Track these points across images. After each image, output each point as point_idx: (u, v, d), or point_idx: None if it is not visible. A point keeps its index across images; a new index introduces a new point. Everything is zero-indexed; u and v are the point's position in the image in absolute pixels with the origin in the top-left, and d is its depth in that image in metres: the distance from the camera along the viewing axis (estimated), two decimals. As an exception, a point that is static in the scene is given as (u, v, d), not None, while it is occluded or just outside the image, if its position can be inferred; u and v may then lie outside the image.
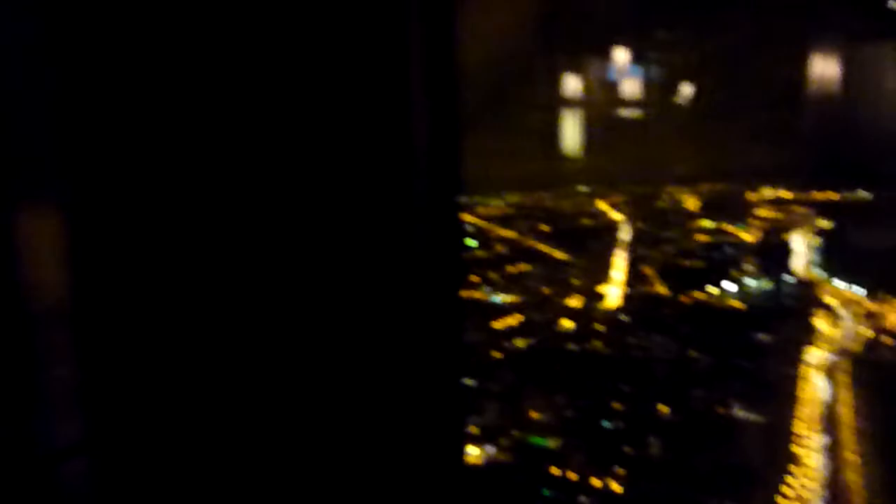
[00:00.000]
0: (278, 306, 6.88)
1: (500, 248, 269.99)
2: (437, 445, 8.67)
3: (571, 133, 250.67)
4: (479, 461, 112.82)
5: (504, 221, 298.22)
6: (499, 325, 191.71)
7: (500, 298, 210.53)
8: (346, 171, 6.47)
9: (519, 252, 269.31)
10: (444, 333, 9.20)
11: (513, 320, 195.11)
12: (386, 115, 6.29)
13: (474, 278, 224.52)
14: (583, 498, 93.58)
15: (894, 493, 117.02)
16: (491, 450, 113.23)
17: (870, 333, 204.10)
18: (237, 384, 7.02)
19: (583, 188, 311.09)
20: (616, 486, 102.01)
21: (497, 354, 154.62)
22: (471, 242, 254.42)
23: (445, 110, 7.43)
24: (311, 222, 6.71)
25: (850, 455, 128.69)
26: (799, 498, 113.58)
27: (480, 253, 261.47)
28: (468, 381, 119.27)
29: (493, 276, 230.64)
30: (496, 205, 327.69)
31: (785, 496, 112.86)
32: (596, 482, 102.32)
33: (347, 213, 6.62)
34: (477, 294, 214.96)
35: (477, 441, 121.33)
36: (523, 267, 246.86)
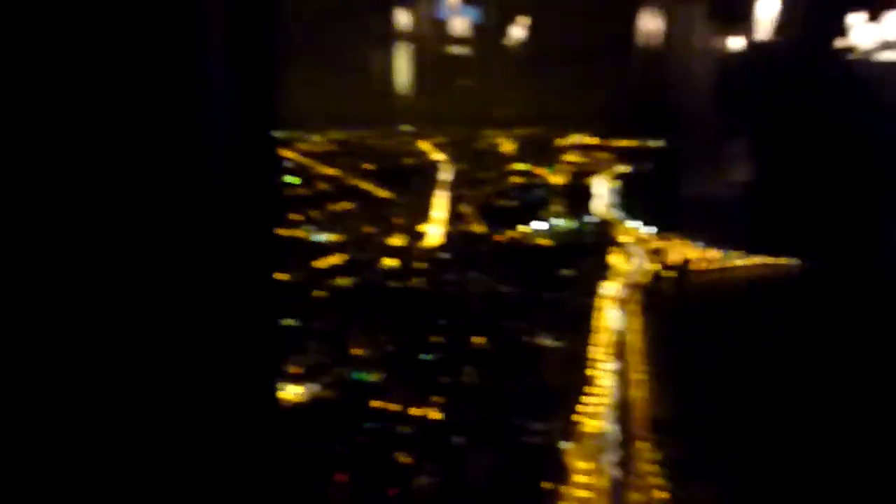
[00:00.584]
0: (88, 246, 6.09)
1: (323, 186, 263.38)
2: (251, 384, 8.30)
3: (397, 71, 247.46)
4: (302, 399, 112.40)
5: (326, 159, 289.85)
6: (321, 264, 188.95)
7: (322, 237, 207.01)
8: (135, 109, 5.75)
9: (341, 190, 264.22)
10: (258, 272, 8.72)
11: (336, 259, 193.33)
12: (174, 51, 5.60)
13: (296, 217, 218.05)
14: (404, 428, 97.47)
15: (672, 407, 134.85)
16: (315, 387, 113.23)
17: (657, 268, 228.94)
18: (50, 330, 6.20)
19: (406, 128, 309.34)
20: (435, 414, 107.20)
21: (320, 293, 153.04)
22: (292, 180, 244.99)
23: (254, 44, 6.80)
24: (100, 163, 5.93)
25: (637, 375, 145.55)
26: (594, 414, 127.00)
27: (302, 191, 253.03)
28: (290, 322, 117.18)
29: (315, 214, 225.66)
30: (318, 142, 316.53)
31: (582, 414, 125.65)
32: (416, 411, 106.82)
33: (138, 153, 5.92)
34: (299, 233, 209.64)
35: (300, 379, 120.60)
36: (346, 205, 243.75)
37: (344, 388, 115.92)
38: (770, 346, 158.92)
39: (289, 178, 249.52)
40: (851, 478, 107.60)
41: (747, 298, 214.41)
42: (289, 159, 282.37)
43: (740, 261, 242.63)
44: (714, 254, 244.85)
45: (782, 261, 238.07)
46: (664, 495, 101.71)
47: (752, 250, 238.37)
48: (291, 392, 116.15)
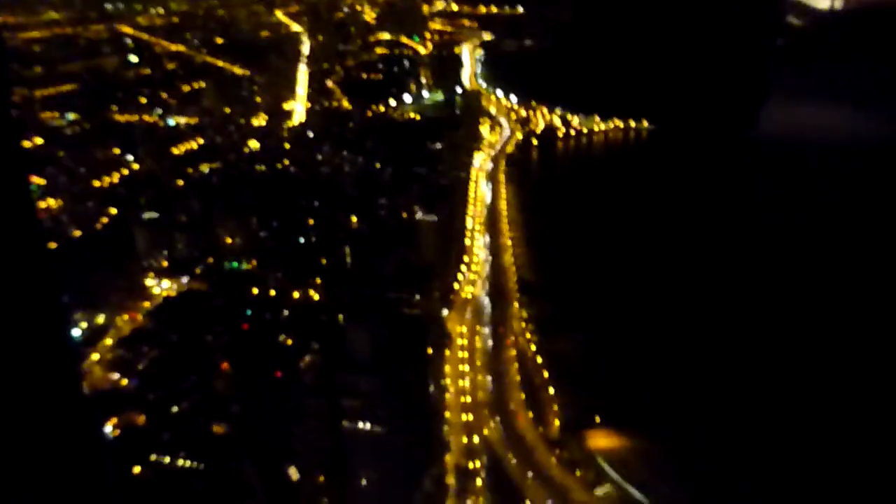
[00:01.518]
0: None
1: (170, 65, 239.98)
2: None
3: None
4: (173, 293, 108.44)
5: (170, 34, 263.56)
6: (178, 150, 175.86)
7: (175, 121, 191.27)
8: None
9: (192, 68, 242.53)
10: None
11: (193, 144, 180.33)
12: None
13: (142, 100, 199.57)
14: (285, 311, 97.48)
15: (536, 268, 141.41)
16: (185, 280, 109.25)
17: (520, 136, 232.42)
18: None
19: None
20: (315, 295, 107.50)
21: (180, 182, 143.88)
22: (132, 58, 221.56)
23: None
24: None
25: (507, 241, 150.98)
26: (470, 282, 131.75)
27: (145, 70, 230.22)
28: (151, 214, 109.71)
29: (164, 96, 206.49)
30: (160, 14, 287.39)
31: (458, 282, 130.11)
32: (296, 294, 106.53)
33: None
34: (148, 118, 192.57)
35: (169, 273, 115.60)
36: (198, 84, 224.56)
37: (218, 278, 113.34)
38: (627, 204, 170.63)
39: (130, 57, 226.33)
40: (704, 320, 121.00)
41: (605, 160, 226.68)
42: (126, 35, 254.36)
43: (597, 126, 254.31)
44: (574, 120, 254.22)
45: (632, 124, 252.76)
46: (534, 348, 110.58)
47: (605, 116, 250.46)
48: (162, 286, 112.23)
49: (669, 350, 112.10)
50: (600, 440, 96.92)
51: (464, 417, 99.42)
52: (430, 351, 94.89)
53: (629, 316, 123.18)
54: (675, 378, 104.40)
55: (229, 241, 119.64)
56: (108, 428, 77.85)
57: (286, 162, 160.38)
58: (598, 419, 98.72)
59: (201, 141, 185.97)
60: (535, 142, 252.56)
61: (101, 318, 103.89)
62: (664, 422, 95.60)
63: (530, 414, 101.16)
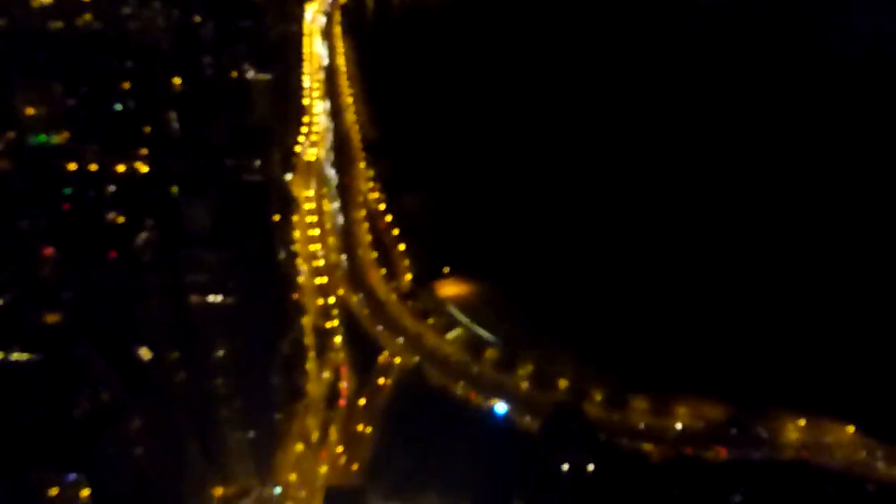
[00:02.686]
0: None
1: None
2: None
3: None
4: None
5: None
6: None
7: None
8: None
9: None
10: None
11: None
12: None
13: None
14: (110, 186, 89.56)
15: (378, 125, 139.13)
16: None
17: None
18: None
19: None
20: (142, 167, 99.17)
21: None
22: None
23: None
24: None
25: (347, 99, 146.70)
26: (311, 143, 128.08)
27: None
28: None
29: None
30: None
31: (299, 144, 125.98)
32: (120, 167, 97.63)
33: None
34: None
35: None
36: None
37: (24, 155, 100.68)
38: (463, 53, 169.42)
39: None
40: (538, 166, 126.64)
41: (442, 8, 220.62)
42: None
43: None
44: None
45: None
46: (381, 207, 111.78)
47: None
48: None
49: (503, 197, 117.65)
50: (449, 288, 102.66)
51: (317, 281, 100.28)
52: (276, 217, 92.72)
53: (469, 169, 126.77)
54: (516, 228, 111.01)
55: (31, 111, 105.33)
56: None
57: (87, 17, 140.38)
58: (446, 270, 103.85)
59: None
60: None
61: None
62: (507, 268, 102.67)
63: (383, 271, 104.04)
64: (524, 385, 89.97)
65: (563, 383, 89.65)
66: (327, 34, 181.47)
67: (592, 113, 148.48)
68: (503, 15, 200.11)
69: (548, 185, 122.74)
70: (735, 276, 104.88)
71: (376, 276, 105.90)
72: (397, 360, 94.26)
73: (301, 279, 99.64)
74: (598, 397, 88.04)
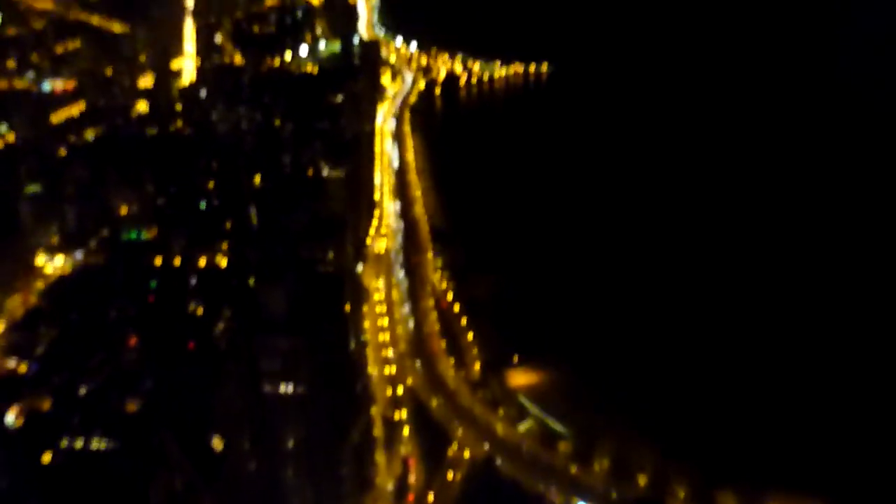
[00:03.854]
0: None
1: (38, 24, 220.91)
2: None
3: None
4: (67, 270, 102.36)
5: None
6: (58, 117, 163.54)
7: (51, 85, 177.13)
8: None
9: (64, 27, 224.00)
10: None
11: (74, 110, 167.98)
12: None
13: (10, 63, 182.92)
14: (192, 279, 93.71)
15: (447, 216, 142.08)
16: (79, 255, 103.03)
17: (423, 85, 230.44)
18: None
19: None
20: (222, 260, 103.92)
21: (63, 152, 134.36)
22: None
23: None
24: None
25: (416, 192, 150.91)
26: (382, 235, 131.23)
27: (11, 31, 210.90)
28: (34, 188, 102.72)
29: (36, 59, 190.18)
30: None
31: (371, 236, 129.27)
32: (202, 261, 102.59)
33: None
34: (19, 83, 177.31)
35: (61, 250, 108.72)
36: (73, 45, 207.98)
37: (116, 250, 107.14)
38: (531, 146, 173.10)
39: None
40: (608, 257, 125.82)
41: (508, 104, 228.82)
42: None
43: (498, 71, 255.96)
44: (475, 66, 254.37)
45: (532, 67, 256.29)
46: (450, 296, 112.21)
47: (506, 60, 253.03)
48: (54, 264, 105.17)
49: (577, 285, 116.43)
50: (520, 378, 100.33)
51: (387, 370, 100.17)
52: (347, 307, 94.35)
53: (538, 256, 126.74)
54: (587, 312, 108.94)
55: (125, 210, 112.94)
56: (10, 417, 73.63)
57: (179, 123, 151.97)
58: (516, 358, 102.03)
59: (83, 106, 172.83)
60: (437, 90, 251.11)
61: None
62: (579, 354, 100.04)
63: (451, 360, 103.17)
64: (601, 480, 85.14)
65: (643, 478, 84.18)
66: (398, 132, 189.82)
67: (659, 197, 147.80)
68: (567, 111, 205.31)
69: (622, 270, 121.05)
70: (840, 360, 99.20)
71: (445, 365, 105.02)
72: (467, 452, 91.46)
73: (370, 369, 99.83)
74: (682, 493, 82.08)
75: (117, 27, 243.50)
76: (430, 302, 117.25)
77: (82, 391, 74.61)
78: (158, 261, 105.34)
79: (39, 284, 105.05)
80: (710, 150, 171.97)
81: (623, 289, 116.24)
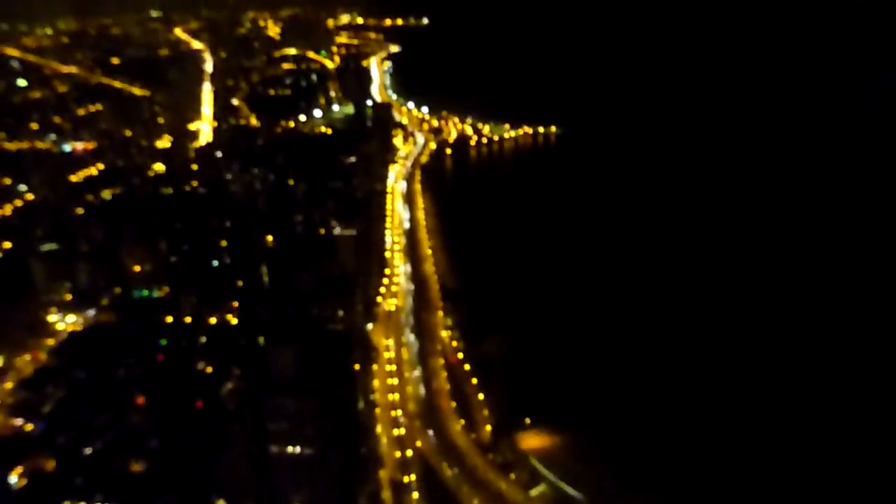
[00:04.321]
0: None
1: (62, 87, 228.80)
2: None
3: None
4: (78, 327, 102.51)
5: (61, 54, 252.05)
6: (77, 177, 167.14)
7: (71, 146, 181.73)
8: None
9: (86, 90, 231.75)
10: None
11: (93, 170, 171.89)
12: None
13: (33, 125, 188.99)
14: (202, 338, 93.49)
15: (457, 275, 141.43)
16: (91, 313, 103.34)
17: (434, 146, 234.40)
18: None
19: (155, 13, 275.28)
20: (232, 319, 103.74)
21: (80, 210, 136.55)
22: (20, 82, 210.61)
23: None
24: None
25: (426, 251, 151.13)
26: (392, 293, 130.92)
27: (35, 94, 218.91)
28: (50, 246, 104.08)
29: (58, 120, 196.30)
30: (46, 34, 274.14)
31: (381, 294, 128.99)
32: (212, 319, 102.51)
33: None
34: (41, 144, 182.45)
35: (73, 307, 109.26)
36: (94, 107, 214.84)
37: (127, 308, 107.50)
38: (539, 207, 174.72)
39: (18, 82, 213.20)
40: (616, 316, 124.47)
41: (517, 165, 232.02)
42: (12, 57, 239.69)
43: (508, 133, 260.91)
44: (485, 128, 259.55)
45: (541, 129, 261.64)
46: (460, 355, 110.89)
47: (515, 122, 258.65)
48: (66, 321, 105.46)
49: (588, 346, 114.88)
50: (532, 440, 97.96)
51: (396, 432, 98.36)
52: (356, 366, 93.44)
53: (547, 316, 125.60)
54: (598, 373, 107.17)
55: (137, 268, 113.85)
56: (13, 478, 72.52)
57: (194, 183, 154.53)
58: (528, 420, 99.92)
59: (101, 166, 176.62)
60: (448, 151, 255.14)
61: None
62: (591, 416, 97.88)
63: (461, 421, 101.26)
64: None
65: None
66: (409, 191, 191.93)
67: (673, 256, 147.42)
68: (575, 171, 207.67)
69: (637, 332, 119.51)
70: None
71: (455, 427, 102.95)
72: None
73: (379, 430, 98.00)
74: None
75: (138, 90, 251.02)
76: (440, 361, 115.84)
77: (87, 451, 73.77)
78: (169, 319, 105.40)
79: (50, 342, 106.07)
80: (718, 211, 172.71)
81: (638, 350, 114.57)
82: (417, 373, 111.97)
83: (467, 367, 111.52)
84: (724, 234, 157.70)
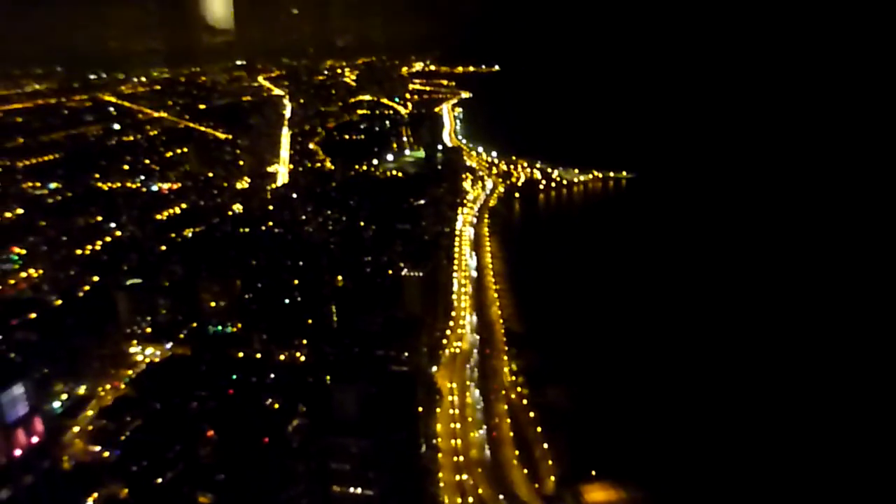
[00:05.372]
0: None
1: (152, 131, 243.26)
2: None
3: (220, 1, 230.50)
4: (156, 359, 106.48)
5: (153, 100, 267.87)
6: (161, 216, 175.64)
7: (158, 187, 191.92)
8: None
9: (174, 134, 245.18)
10: None
11: (177, 209, 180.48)
12: None
13: (125, 167, 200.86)
14: (271, 374, 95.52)
15: (523, 319, 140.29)
16: (168, 346, 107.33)
17: (502, 190, 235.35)
18: None
19: (239, 62, 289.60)
20: (301, 356, 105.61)
21: (163, 247, 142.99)
22: (114, 126, 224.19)
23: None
24: None
25: (492, 294, 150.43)
26: (457, 336, 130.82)
27: (128, 138, 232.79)
28: (135, 280, 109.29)
29: (147, 162, 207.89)
30: (141, 82, 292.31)
31: (447, 337, 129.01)
32: (282, 356, 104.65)
33: None
34: (131, 184, 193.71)
35: (152, 340, 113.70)
36: (181, 150, 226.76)
37: (201, 343, 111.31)
38: (608, 252, 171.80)
39: (111, 125, 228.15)
40: (690, 367, 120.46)
41: (585, 211, 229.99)
42: (109, 103, 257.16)
43: (577, 177, 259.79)
44: (554, 173, 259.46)
45: (611, 174, 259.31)
46: (525, 401, 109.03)
47: (585, 168, 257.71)
48: (145, 353, 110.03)
49: (656, 396, 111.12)
50: (597, 493, 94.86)
51: (457, 477, 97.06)
52: (420, 409, 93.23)
53: (615, 364, 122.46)
54: (665, 426, 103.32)
55: (213, 304, 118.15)
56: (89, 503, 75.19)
57: (270, 223, 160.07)
58: (593, 472, 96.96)
59: (185, 206, 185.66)
60: (517, 195, 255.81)
61: (82, 389, 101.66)
62: (658, 471, 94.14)
63: (525, 470, 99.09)
64: None
65: None
66: (477, 235, 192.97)
67: (744, 303, 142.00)
68: (647, 219, 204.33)
69: (706, 386, 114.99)
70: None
71: (519, 476, 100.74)
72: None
73: (441, 474, 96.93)
74: None
75: (221, 135, 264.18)
76: (504, 407, 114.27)
77: (158, 481, 75.89)
78: (240, 354, 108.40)
79: (129, 373, 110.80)
80: (793, 264, 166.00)
81: (709, 408, 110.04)
82: (481, 417, 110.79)
83: (532, 414, 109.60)
84: (803, 290, 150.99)
